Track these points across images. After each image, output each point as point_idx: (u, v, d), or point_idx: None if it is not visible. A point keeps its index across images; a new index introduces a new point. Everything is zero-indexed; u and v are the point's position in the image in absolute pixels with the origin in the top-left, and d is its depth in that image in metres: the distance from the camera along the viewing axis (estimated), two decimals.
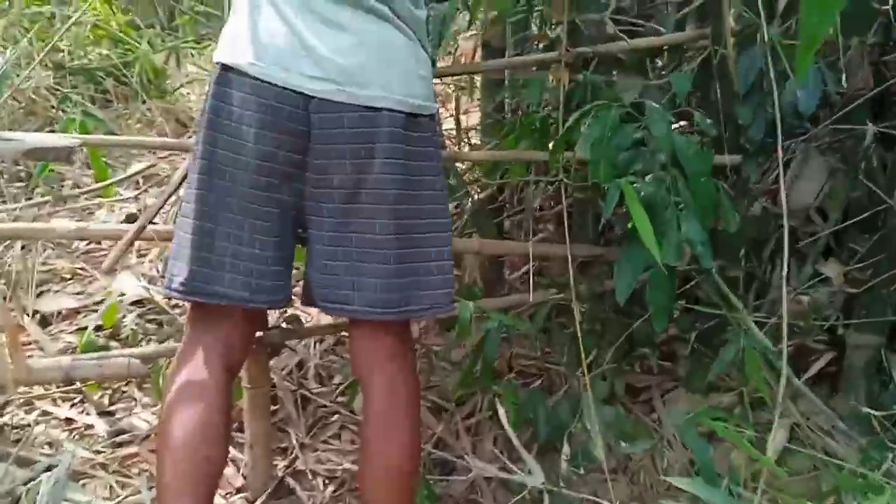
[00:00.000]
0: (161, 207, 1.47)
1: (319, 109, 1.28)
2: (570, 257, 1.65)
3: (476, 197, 2.11)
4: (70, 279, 2.44)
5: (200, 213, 1.31)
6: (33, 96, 3.01)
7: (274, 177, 1.31)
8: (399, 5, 1.31)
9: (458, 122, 2.37)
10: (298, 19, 1.28)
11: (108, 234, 1.59)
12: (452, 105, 2.56)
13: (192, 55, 4.92)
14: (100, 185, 1.96)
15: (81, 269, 2.44)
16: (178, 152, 2.50)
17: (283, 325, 1.83)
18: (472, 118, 2.84)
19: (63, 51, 3.91)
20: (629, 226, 1.61)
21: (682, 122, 2.00)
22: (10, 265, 2.01)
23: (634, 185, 1.55)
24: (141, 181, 2.84)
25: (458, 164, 2.25)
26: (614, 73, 2.05)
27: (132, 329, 2.16)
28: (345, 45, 1.28)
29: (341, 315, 1.42)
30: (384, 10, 1.30)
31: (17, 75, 2.86)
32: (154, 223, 1.57)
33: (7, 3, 3.88)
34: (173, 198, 1.71)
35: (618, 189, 1.49)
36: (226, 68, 1.31)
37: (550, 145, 1.74)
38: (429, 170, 1.36)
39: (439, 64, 2.38)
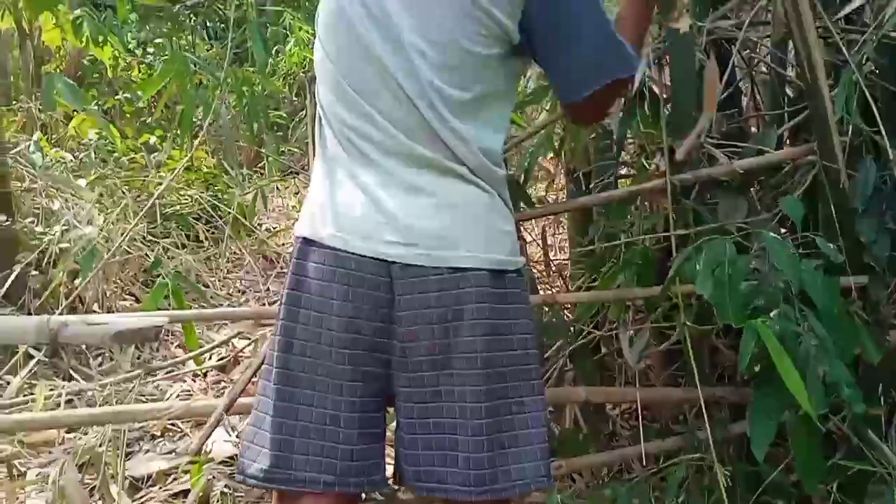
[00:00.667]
0: (248, 382, 1.40)
1: (403, 275, 1.23)
2: (702, 403, 1.49)
3: (574, 338, 1.97)
4: (161, 436, 2.40)
5: (280, 392, 1.25)
6: (127, 248, 3.09)
7: (359, 348, 1.24)
8: (477, 165, 1.26)
9: (546, 258, 2.28)
10: (376, 187, 1.25)
11: (196, 412, 1.53)
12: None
13: (279, 189, 5.09)
14: (190, 355, 1.94)
15: (172, 425, 2.40)
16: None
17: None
18: (562, 241, 2.75)
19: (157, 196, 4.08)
20: (756, 368, 1.46)
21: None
22: (99, 436, 1.97)
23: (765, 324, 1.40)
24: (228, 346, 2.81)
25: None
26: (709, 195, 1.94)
27: (222, 492, 2.07)
28: (424, 208, 1.24)
29: (436, 496, 1.30)
30: (463, 170, 1.25)
31: (107, 240, 2.94)
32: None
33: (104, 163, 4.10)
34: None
35: (754, 334, 1.34)
36: (307, 241, 1.29)
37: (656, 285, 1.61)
38: (519, 328, 1.29)
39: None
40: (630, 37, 1.28)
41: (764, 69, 2.44)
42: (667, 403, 1.84)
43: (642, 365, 1.92)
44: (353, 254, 1.24)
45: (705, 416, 1.57)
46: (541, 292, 2.43)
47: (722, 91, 2.05)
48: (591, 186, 2.31)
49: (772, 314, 1.45)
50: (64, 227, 2.86)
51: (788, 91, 2.31)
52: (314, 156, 1.37)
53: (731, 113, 2.22)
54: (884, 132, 1.67)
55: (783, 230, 1.96)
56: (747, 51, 2.36)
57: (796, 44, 1.84)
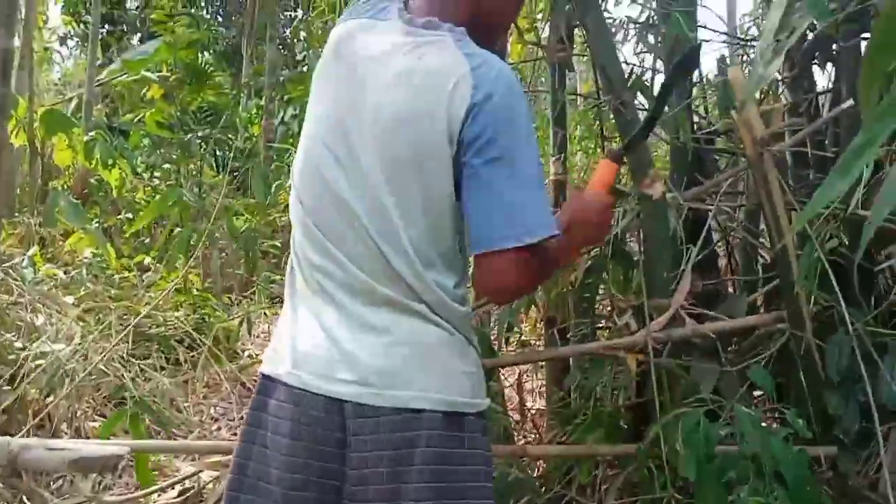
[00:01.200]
0: None
1: (355, 415, 1.22)
2: None
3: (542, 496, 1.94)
4: None
5: None
6: (104, 368, 3.07)
7: (309, 490, 1.23)
8: (437, 302, 1.25)
9: (522, 407, 2.27)
10: (336, 325, 1.25)
11: None
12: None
13: (266, 315, 5.10)
14: (142, 493, 1.89)
15: None
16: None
17: None
18: (542, 386, 2.74)
19: (143, 315, 4.09)
20: None
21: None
22: None
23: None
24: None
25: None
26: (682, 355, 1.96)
27: None
28: (381, 347, 1.23)
29: None
30: (422, 308, 1.25)
31: (85, 358, 2.93)
32: None
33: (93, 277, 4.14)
34: None
35: None
36: (267, 378, 1.30)
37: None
38: (473, 476, 1.24)
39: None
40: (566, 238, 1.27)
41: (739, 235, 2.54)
42: None
43: None
44: (307, 391, 1.23)
45: None
46: (516, 441, 2.40)
47: (697, 253, 2.13)
48: (569, 336, 2.34)
49: (743, 489, 1.44)
50: (42, 344, 2.85)
51: (765, 254, 2.40)
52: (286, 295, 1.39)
53: (708, 273, 2.30)
54: (843, 305, 1.72)
55: (755, 395, 1.98)
56: (724, 216, 2.47)
57: (766, 216, 1.93)
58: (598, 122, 2.91)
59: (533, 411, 2.57)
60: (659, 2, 2.66)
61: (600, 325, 2.34)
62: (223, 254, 6.04)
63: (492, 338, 2.07)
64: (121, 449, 1.36)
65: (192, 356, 3.93)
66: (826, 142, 2.37)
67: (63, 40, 13.14)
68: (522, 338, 2.75)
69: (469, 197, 1.20)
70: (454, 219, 1.25)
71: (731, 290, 2.51)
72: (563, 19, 3.09)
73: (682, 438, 1.53)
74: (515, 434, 2.43)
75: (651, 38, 2.67)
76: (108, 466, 1.35)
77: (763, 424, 1.60)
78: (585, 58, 3.38)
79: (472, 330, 1.34)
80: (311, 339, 1.27)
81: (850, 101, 1.98)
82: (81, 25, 11.95)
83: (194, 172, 7.98)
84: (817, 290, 1.80)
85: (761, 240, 2.28)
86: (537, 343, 2.51)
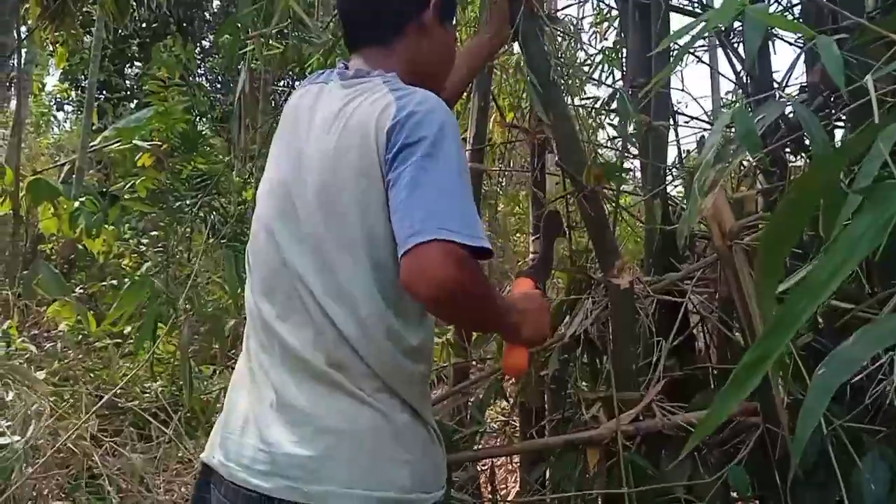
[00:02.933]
0: None
1: None
2: None
3: None
4: None
5: None
6: (72, 447, 3.00)
7: None
8: (386, 363, 1.20)
9: (494, 498, 2.21)
10: (267, 409, 1.22)
11: None
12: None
13: None
14: None
15: None
16: None
17: None
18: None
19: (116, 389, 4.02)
20: None
21: None
22: None
23: None
24: None
25: None
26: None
27: None
28: (308, 434, 1.18)
29: None
30: (360, 389, 1.19)
31: (53, 435, 2.86)
32: None
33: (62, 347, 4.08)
34: None
35: None
36: (203, 465, 1.31)
37: None
38: None
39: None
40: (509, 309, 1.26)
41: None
42: None
43: None
44: (231, 483, 1.21)
45: None
46: None
47: (674, 339, 2.10)
48: (543, 423, 2.29)
49: None
50: (10, 423, 2.79)
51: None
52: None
53: (686, 359, 2.26)
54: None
55: (730, 491, 1.92)
56: (700, 302, 2.45)
57: (738, 308, 1.91)
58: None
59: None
60: (634, 87, 2.70)
61: (571, 416, 2.30)
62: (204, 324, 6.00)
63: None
64: None
65: (165, 432, 3.84)
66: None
67: (60, 106, 13.35)
68: (493, 424, 2.70)
69: (395, 200, 1.14)
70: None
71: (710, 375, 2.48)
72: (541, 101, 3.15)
73: None
74: None
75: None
76: None
77: None
78: None
79: (424, 399, 1.27)
80: (241, 426, 1.24)
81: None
82: (79, 91, 12.14)
83: (185, 237, 7.99)
84: (792, 384, 1.77)
85: (735, 330, 2.26)
86: (510, 429, 2.46)
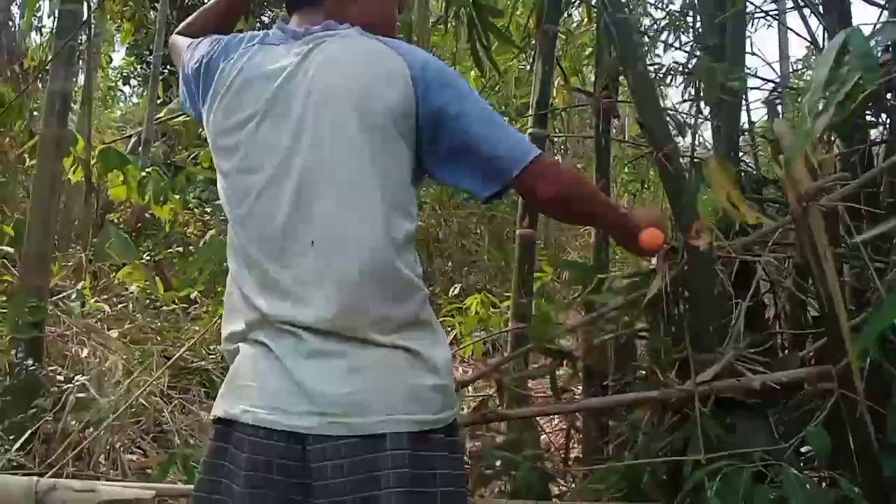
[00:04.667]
0: None
1: (315, 445, 1.18)
2: None
3: None
4: None
5: None
6: (144, 402, 3.11)
7: None
8: (407, 283, 1.27)
9: (566, 457, 2.21)
10: (289, 356, 1.23)
11: None
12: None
13: None
14: None
15: None
16: None
17: None
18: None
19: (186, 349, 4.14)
20: None
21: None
22: None
23: None
24: None
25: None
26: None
27: None
28: (338, 374, 1.20)
29: None
30: (377, 337, 1.23)
31: (127, 391, 2.97)
32: None
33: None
34: None
35: None
36: (220, 422, 1.27)
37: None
38: (445, 497, 1.20)
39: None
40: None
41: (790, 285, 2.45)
42: None
43: None
44: (263, 428, 1.20)
45: None
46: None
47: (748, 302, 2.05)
48: (606, 384, 2.28)
49: None
50: (86, 378, 2.90)
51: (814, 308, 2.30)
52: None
53: (755, 327, 2.21)
54: None
55: (802, 458, 1.88)
56: (772, 268, 2.39)
57: (813, 273, 1.86)
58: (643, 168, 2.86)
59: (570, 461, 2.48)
60: (706, 49, 2.63)
61: (634, 379, 2.28)
62: None
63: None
64: (146, 492, 1.36)
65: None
66: (880, 195, 2.29)
67: (126, 80, 13.65)
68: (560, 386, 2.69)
69: (478, 135, 1.27)
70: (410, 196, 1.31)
71: (779, 343, 2.42)
72: (607, 67, 3.08)
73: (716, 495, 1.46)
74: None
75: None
76: None
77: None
78: (631, 103, 3.36)
79: (434, 319, 1.32)
80: (264, 373, 1.24)
81: None
82: (144, 65, 12.40)
83: None
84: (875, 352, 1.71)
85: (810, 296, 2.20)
86: (575, 394, 2.45)
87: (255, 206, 1.30)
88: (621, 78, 3.07)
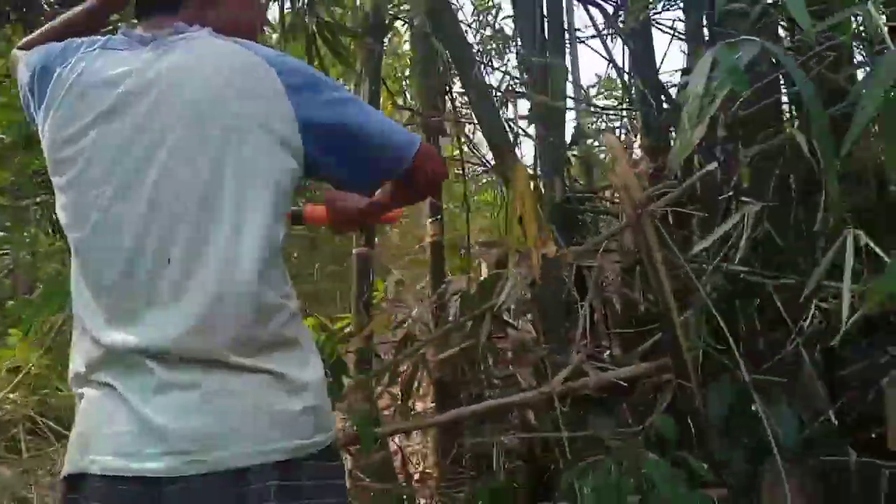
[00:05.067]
0: None
1: (173, 489, 1.06)
2: None
3: None
4: None
5: None
6: None
7: None
8: (273, 299, 1.16)
9: (406, 473, 2.20)
10: (136, 393, 1.10)
11: None
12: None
13: None
14: None
15: None
16: None
17: None
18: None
19: None
20: None
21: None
22: None
23: None
24: None
25: None
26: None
27: None
28: (190, 406, 1.09)
29: None
30: (236, 360, 1.11)
31: None
32: None
33: None
34: None
35: None
36: (69, 478, 1.12)
37: None
38: None
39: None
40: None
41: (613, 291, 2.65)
42: None
43: None
44: (114, 477, 1.06)
45: None
46: None
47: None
48: (459, 396, 2.32)
49: None
50: None
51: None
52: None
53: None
54: (736, 351, 1.82)
55: (648, 444, 2.03)
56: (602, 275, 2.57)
57: (647, 271, 2.02)
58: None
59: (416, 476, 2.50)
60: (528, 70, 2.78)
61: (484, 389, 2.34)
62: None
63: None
64: None
65: (35, 442, 3.53)
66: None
67: None
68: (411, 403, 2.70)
69: (359, 126, 1.20)
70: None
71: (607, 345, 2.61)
72: (435, 85, 3.18)
73: (590, 489, 1.54)
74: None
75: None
76: None
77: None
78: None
79: (302, 324, 1.22)
80: (111, 416, 1.11)
81: (714, 165, 2.15)
82: None
83: (28, 238, 7.36)
84: (704, 342, 1.89)
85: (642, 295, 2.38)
86: (426, 409, 2.47)
87: (102, 223, 1.18)
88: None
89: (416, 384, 2.22)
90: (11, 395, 4.01)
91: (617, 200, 2.92)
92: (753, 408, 1.80)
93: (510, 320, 2.24)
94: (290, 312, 1.21)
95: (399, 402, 2.32)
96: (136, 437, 1.07)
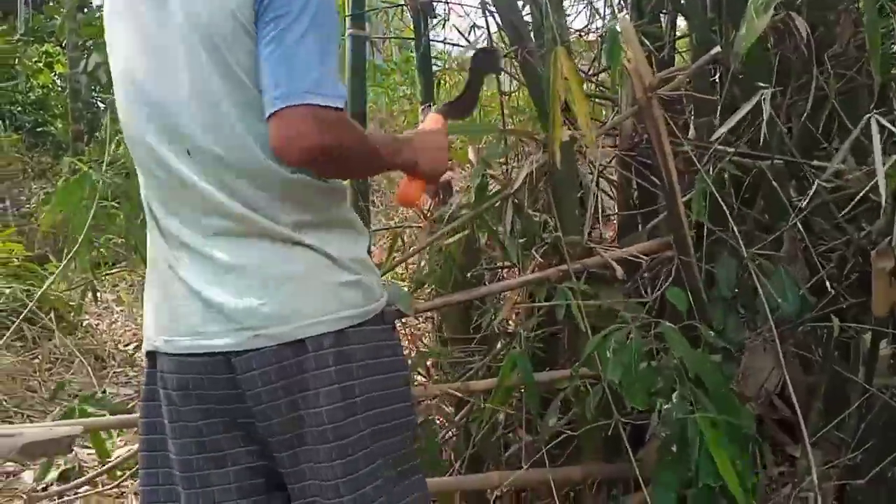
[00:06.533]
0: None
1: (241, 361, 1.20)
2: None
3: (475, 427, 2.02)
4: None
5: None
6: None
7: (222, 448, 1.25)
8: (303, 186, 1.22)
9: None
10: (194, 275, 1.22)
11: None
12: None
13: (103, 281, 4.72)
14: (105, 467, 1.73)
15: None
16: None
17: None
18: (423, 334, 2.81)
19: None
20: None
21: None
22: None
23: (666, 406, 1.58)
24: None
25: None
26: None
27: None
28: (247, 287, 1.20)
29: None
30: (283, 229, 1.21)
31: None
32: None
33: None
34: None
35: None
36: (149, 355, 1.29)
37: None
38: (379, 384, 1.26)
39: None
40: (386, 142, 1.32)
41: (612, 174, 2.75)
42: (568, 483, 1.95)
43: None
44: (187, 355, 1.22)
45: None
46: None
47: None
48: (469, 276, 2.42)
49: (672, 397, 1.62)
50: None
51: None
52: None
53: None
54: (736, 231, 1.93)
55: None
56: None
57: (655, 153, 2.11)
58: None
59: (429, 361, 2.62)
60: None
61: (497, 267, 2.44)
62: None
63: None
64: (74, 429, 1.27)
65: (32, 331, 3.58)
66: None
67: None
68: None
69: (264, 56, 1.14)
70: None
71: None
72: None
73: (612, 350, 1.67)
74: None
75: None
76: (63, 448, 1.25)
77: None
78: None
79: (347, 207, 1.31)
80: (174, 300, 1.23)
81: (717, 49, 2.20)
82: None
83: None
84: (705, 218, 2.00)
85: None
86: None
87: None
88: None
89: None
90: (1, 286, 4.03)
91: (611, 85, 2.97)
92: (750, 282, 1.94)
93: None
94: (331, 194, 1.28)
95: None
96: (203, 317, 1.20)
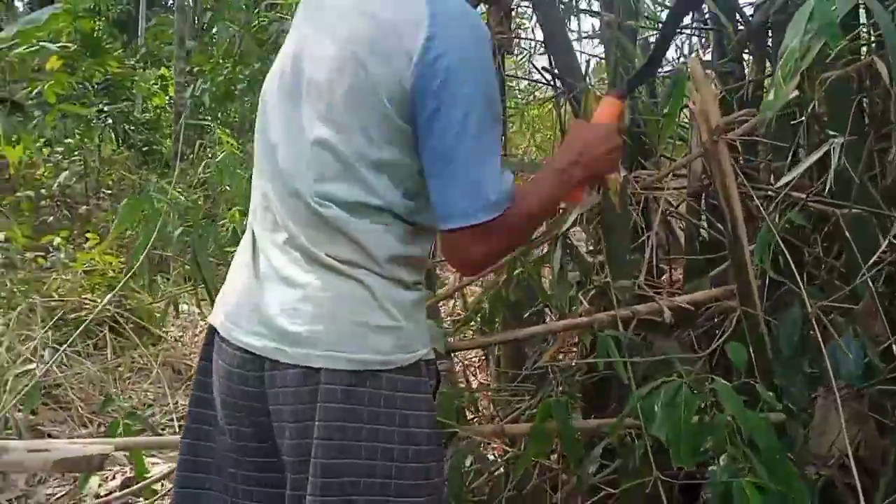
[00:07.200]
0: None
1: (271, 367, 1.23)
2: None
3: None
4: None
5: (184, 479, 1.31)
6: (30, 356, 2.91)
7: (254, 439, 1.29)
8: (357, 253, 1.22)
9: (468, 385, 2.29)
10: (259, 275, 1.28)
11: None
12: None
13: (188, 296, 4.91)
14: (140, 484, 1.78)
15: None
16: None
17: None
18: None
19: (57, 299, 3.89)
20: None
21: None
22: None
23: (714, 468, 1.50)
24: None
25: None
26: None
27: None
28: (291, 302, 1.22)
29: None
30: (335, 264, 1.21)
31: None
32: None
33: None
34: None
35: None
36: (210, 328, 1.36)
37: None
38: (387, 436, 1.21)
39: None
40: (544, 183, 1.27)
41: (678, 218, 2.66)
42: None
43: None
44: (229, 343, 1.27)
45: None
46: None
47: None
48: (525, 316, 2.39)
49: (721, 458, 1.53)
50: None
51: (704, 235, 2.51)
52: None
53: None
54: (801, 285, 1.83)
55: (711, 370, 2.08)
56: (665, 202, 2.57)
57: (721, 198, 2.02)
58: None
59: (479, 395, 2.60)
60: None
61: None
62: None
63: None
64: (105, 447, 1.31)
65: (117, 341, 3.77)
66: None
67: None
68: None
69: (428, 164, 1.18)
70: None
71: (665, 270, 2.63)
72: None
73: (661, 404, 1.59)
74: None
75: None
76: (95, 465, 1.30)
77: None
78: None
79: (410, 264, 1.27)
80: (239, 288, 1.31)
81: (794, 93, 2.10)
82: None
83: (93, 147, 7.57)
84: (770, 269, 1.90)
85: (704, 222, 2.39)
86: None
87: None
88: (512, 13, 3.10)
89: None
90: (90, 296, 4.25)
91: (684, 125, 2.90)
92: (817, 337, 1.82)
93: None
94: (397, 229, 1.25)
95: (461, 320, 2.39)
96: (248, 314, 1.26)
